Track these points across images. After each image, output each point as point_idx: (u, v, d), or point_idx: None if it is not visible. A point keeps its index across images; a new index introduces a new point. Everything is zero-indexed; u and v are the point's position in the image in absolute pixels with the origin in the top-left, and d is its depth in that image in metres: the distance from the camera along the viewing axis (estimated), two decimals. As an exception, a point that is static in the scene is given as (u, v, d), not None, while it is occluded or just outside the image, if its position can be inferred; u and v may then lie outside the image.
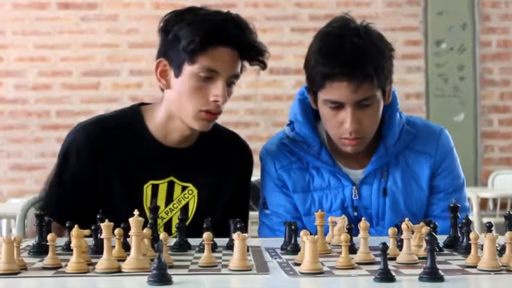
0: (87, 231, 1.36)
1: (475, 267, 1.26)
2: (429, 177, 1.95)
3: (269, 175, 2.00)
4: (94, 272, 1.24)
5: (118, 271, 1.24)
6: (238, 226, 1.48)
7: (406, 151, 1.95)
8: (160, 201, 1.90)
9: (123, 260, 1.26)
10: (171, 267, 1.27)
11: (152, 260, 1.18)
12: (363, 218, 1.40)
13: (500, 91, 6.11)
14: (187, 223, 1.85)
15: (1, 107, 6.01)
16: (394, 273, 1.17)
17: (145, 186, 1.90)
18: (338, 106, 1.83)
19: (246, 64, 1.93)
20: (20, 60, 6.02)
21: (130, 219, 1.25)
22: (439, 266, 1.17)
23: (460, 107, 6.03)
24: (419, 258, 1.34)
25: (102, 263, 1.25)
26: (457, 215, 1.55)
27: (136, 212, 1.29)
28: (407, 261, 1.32)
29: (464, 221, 1.47)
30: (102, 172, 1.89)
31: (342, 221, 1.62)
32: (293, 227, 1.50)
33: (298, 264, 1.28)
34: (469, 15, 6.07)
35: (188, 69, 1.82)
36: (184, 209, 1.93)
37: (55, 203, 1.90)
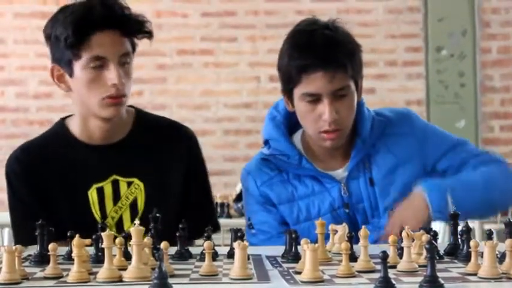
0: (88, 241, 1.37)
1: (475, 274, 1.26)
2: (419, 150, 1.96)
3: (251, 195, 2.03)
4: (95, 282, 1.25)
5: (119, 280, 1.24)
6: (238, 235, 1.49)
7: (382, 138, 1.97)
8: (108, 201, 1.93)
9: (124, 269, 1.26)
10: (172, 276, 1.28)
11: (153, 269, 1.18)
12: (363, 226, 1.40)
13: (501, 97, 6.12)
14: (137, 218, 1.86)
15: (3, 116, 6.02)
16: (394, 282, 1.17)
17: (89, 192, 1.93)
18: (315, 99, 1.86)
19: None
20: (22, 69, 6.04)
21: (131, 229, 1.25)
22: (439, 274, 1.17)
23: (461, 113, 6.04)
24: (420, 266, 1.34)
25: (103, 272, 1.25)
26: (457, 222, 1.55)
27: (137, 221, 1.30)
28: (408, 269, 1.33)
29: (464, 228, 1.48)
30: (45, 189, 1.93)
31: (342, 229, 1.62)
32: (294, 236, 1.50)
33: (299, 273, 1.28)
34: (470, 21, 6.09)
35: (77, 65, 1.85)
36: (133, 205, 1.94)
37: (23, 225, 1.92)
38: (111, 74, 1.84)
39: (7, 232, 4.07)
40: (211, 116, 5.89)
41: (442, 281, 1.16)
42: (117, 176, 1.94)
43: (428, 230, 1.51)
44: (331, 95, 1.85)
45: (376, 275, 1.21)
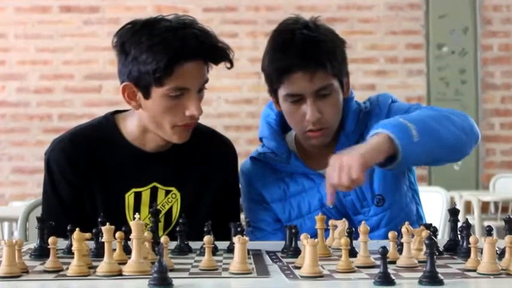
0: (88, 235, 1.37)
1: (474, 271, 1.26)
2: None
3: (248, 193, 2.04)
4: (95, 275, 1.25)
5: (119, 274, 1.24)
6: (238, 229, 1.49)
7: (366, 130, 1.94)
8: (144, 207, 1.89)
9: (124, 263, 1.26)
10: (172, 270, 1.28)
11: (153, 263, 1.18)
12: (363, 222, 1.40)
13: (502, 95, 6.12)
14: (170, 228, 1.88)
15: (3, 110, 6.02)
16: (393, 277, 1.17)
17: (127, 195, 1.89)
18: (298, 100, 1.86)
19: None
20: (22, 64, 6.04)
21: (131, 223, 1.25)
22: (438, 270, 1.17)
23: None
24: (420, 261, 1.34)
25: (103, 266, 1.25)
26: (457, 219, 1.55)
27: (137, 216, 1.30)
28: (407, 264, 1.33)
29: (464, 224, 1.48)
30: (84, 185, 1.89)
31: (342, 224, 1.62)
32: (293, 231, 1.50)
33: (299, 268, 1.28)
34: (471, 18, 6.08)
35: (157, 91, 1.78)
36: (168, 214, 1.91)
37: (54, 216, 1.84)
38: (191, 105, 1.79)
39: (6, 226, 4.07)
40: (212, 111, 5.89)
41: (442, 277, 1.16)
42: (157, 184, 1.91)
43: (428, 226, 1.51)
44: (313, 94, 1.84)
45: (376, 271, 1.21)
